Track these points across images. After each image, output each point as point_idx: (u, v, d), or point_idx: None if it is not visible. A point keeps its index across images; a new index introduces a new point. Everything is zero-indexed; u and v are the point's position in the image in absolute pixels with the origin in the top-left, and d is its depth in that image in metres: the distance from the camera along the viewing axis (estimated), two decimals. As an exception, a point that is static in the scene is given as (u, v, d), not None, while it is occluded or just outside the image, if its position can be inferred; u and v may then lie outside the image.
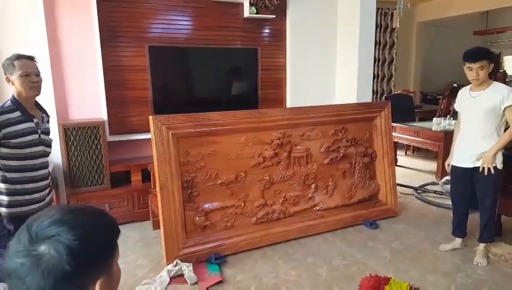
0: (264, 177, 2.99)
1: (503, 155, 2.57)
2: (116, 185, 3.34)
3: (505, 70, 7.16)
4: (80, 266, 0.66)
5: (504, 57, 8.43)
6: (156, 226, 3.14)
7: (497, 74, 6.18)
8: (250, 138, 2.94)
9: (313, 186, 3.23)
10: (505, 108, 2.46)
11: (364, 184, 3.48)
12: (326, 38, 4.27)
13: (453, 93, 6.15)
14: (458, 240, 2.86)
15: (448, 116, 5.02)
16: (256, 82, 3.79)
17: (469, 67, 2.51)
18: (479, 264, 2.63)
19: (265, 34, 4.05)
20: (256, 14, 3.80)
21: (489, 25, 8.26)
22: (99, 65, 3.31)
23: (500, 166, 2.54)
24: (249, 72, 3.80)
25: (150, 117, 2.60)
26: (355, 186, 3.43)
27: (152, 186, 3.23)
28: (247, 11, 3.77)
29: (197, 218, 2.73)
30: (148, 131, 2.64)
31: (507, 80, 6.98)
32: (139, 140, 3.53)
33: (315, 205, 3.24)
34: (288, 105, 4.14)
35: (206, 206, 2.78)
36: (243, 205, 2.91)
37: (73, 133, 3.09)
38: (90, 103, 3.38)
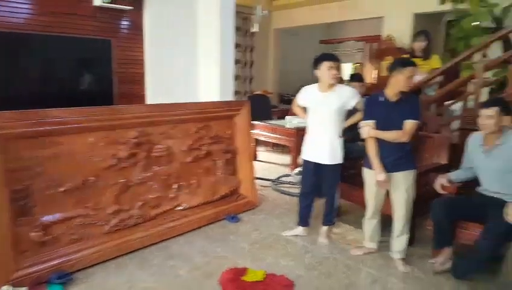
0: (119, 180, 2.65)
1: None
2: None
3: (341, 76, 8.17)
4: None
5: (342, 64, 9.64)
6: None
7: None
8: (102, 138, 2.56)
9: (175, 186, 3.03)
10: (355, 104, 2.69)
11: (227, 180, 3.45)
12: (187, 36, 4.10)
13: (303, 94, 6.72)
14: (301, 228, 3.02)
15: (299, 114, 5.40)
16: (111, 76, 3.37)
17: (330, 67, 2.63)
18: (322, 244, 2.86)
19: (121, 26, 3.65)
20: (111, 3, 3.36)
21: (331, 35, 9.32)
22: None
23: (341, 161, 2.77)
24: (102, 65, 3.36)
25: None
26: (218, 183, 3.37)
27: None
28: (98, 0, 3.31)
29: (33, 233, 2.22)
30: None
31: (350, 84, 7.97)
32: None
33: (178, 205, 3.05)
34: (149, 102, 3.83)
35: (45, 218, 2.30)
36: (92, 213, 2.51)
37: None
38: None
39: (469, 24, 4.35)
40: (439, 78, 3.91)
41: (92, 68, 3.36)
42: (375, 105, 2.50)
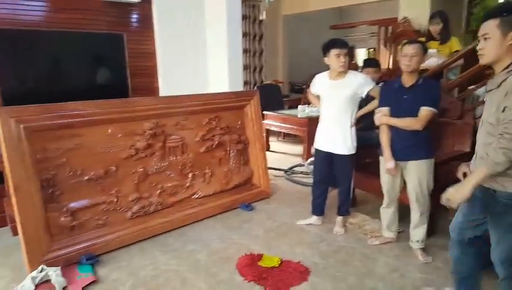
0: (138, 169, 2.96)
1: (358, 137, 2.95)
2: (-41, 190, 2.88)
3: (356, 62, 8.34)
4: None
5: (356, 50, 9.79)
6: (15, 232, 2.80)
7: (350, 65, 7.16)
8: (120, 129, 2.86)
9: (190, 175, 3.32)
10: (368, 91, 2.81)
11: (239, 170, 3.72)
12: (195, 27, 4.36)
13: (315, 83, 6.92)
14: (315, 217, 3.22)
15: (311, 104, 5.62)
16: (125, 70, 3.68)
17: (337, 54, 2.72)
18: (338, 233, 3.03)
19: (131, 20, 3.95)
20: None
21: (343, 20, 9.46)
22: None
23: (354, 151, 2.92)
24: (116, 59, 3.67)
25: (-5, 109, 2.33)
26: (231, 172, 3.64)
27: (6, 189, 2.87)
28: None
29: (63, 219, 2.57)
30: (-4, 126, 2.35)
31: (358, 70, 8.14)
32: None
33: (193, 194, 3.35)
34: (162, 94, 4.13)
35: (72, 205, 2.63)
36: (115, 200, 2.83)
37: None
38: None
39: (494, 2, 4.28)
40: (460, 62, 3.91)
41: (107, 62, 3.67)
42: (390, 91, 2.61)
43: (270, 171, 4.11)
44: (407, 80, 2.51)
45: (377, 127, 2.75)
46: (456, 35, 4.27)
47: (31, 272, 2.34)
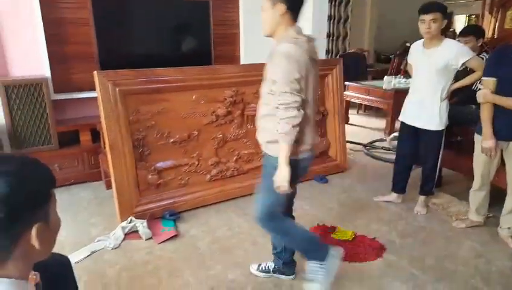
0: (218, 135, 3.07)
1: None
2: (64, 145, 3.29)
3: (454, 30, 7.51)
4: (12, 213, 0.71)
5: (455, 17, 8.80)
6: (108, 186, 3.17)
7: (447, 33, 6.49)
8: (203, 96, 2.96)
9: (265, 144, 3.35)
10: (463, 64, 2.52)
11: (316, 141, 3.65)
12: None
13: (405, 53, 6.41)
14: (394, 195, 3.06)
15: (399, 75, 5.25)
16: (209, 38, 3.75)
17: (422, 20, 2.50)
18: (419, 213, 2.88)
19: (217, -13, 3.97)
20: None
21: (442, -17, 8.50)
22: (38, 18, 3.11)
23: (443, 127, 2.67)
24: (201, 27, 3.73)
25: (95, 73, 2.54)
26: (308, 143, 3.59)
27: (102, 146, 3.21)
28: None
29: (150, 176, 2.79)
30: (95, 88, 2.59)
31: (456, 39, 7.34)
32: (86, 98, 3.43)
33: (268, 162, 3.38)
34: (242, 62, 4.15)
35: (159, 164, 2.83)
36: (196, 163, 2.99)
37: (14, 91, 2.96)
38: (31, 59, 3.20)
39: None
40: None
41: (193, 30, 3.77)
42: (503, 60, 2.24)
43: (348, 144, 3.98)
44: None
45: (475, 103, 2.49)
46: None
47: (122, 222, 2.61)
